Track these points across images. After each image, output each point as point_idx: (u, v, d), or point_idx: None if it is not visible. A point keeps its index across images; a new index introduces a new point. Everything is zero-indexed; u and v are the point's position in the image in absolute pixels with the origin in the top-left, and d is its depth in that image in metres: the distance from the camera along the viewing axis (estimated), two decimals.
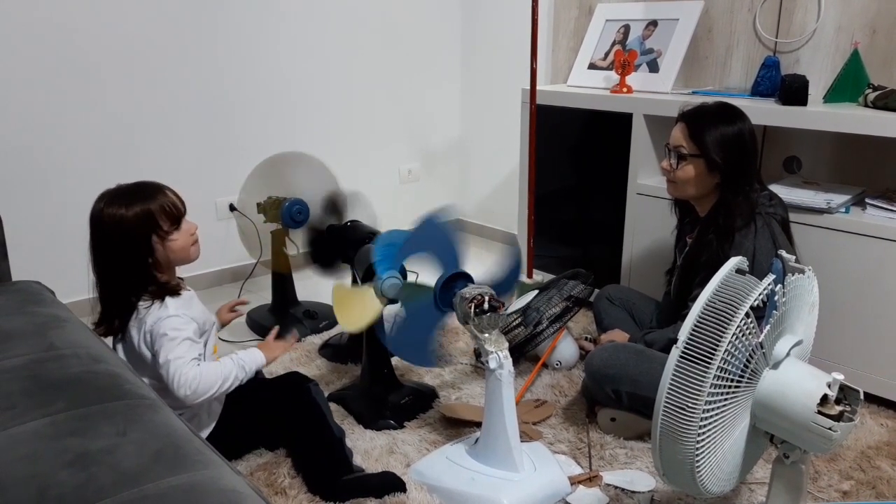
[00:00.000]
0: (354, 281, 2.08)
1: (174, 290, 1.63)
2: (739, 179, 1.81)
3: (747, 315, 1.17)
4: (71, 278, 2.33)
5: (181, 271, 1.76)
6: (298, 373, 1.89)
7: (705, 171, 1.83)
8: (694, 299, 1.21)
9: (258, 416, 1.75)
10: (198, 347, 1.62)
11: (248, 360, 1.67)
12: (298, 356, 2.35)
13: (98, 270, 1.62)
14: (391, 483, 1.67)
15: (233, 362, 1.64)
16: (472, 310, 1.58)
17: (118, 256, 1.59)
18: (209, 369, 1.59)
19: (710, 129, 1.80)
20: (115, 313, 1.62)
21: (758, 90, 2.35)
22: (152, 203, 1.61)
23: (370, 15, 3.23)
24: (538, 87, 2.57)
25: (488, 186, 3.63)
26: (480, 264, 1.80)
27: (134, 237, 1.58)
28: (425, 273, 1.76)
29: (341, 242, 2.15)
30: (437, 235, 1.71)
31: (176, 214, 1.64)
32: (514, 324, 2.23)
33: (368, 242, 2.06)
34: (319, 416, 1.72)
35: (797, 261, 1.33)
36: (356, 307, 1.77)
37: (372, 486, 1.66)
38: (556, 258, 2.80)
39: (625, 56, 2.55)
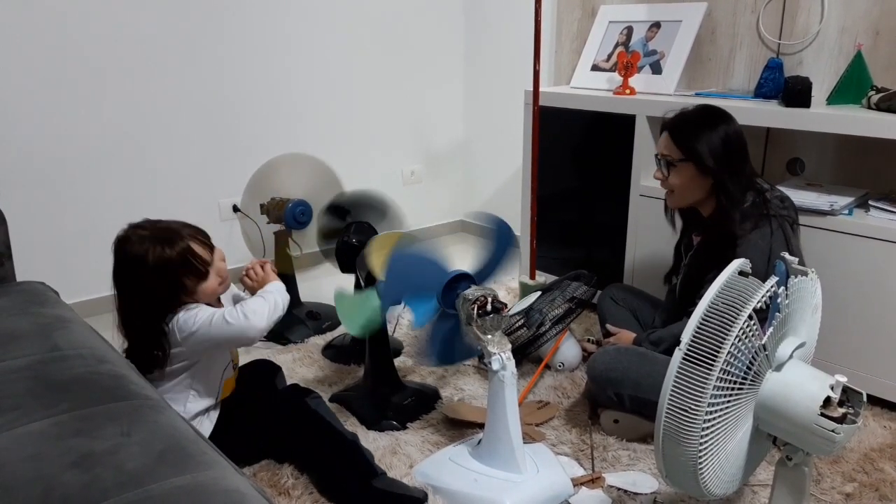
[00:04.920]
0: (358, 284, 2.08)
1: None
2: (732, 178, 1.82)
3: (750, 317, 1.17)
4: (75, 279, 2.35)
5: None
6: (298, 386, 1.87)
7: (697, 174, 1.83)
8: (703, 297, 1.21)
9: (258, 431, 1.73)
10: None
11: (269, 289, 1.70)
12: (302, 357, 2.36)
13: (136, 311, 1.59)
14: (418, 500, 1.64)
15: (262, 292, 1.67)
16: (476, 311, 1.58)
17: (158, 296, 1.58)
18: (248, 302, 1.62)
19: (694, 133, 1.82)
20: (145, 354, 1.59)
21: (761, 92, 2.35)
22: (185, 249, 1.59)
23: (373, 16, 3.23)
24: (541, 89, 2.57)
25: (491, 188, 3.63)
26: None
27: (166, 287, 1.58)
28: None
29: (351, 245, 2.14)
30: (500, 244, 1.73)
31: (207, 252, 1.63)
32: (517, 325, 2.23)
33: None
34: (326, 427, 1.70)
35: (801, 263, 1.33)
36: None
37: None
38: (559, 259, 2.80)
39: (628, 58, 2.55)
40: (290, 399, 1.77)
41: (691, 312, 1.21)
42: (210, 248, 1.65)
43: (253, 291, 1.75)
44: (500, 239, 1.75)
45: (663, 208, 2.07)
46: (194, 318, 1.58)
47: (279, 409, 1.75)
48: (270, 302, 1.65)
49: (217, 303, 1.72)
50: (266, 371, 1.95)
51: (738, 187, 1.81)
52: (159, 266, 1.56)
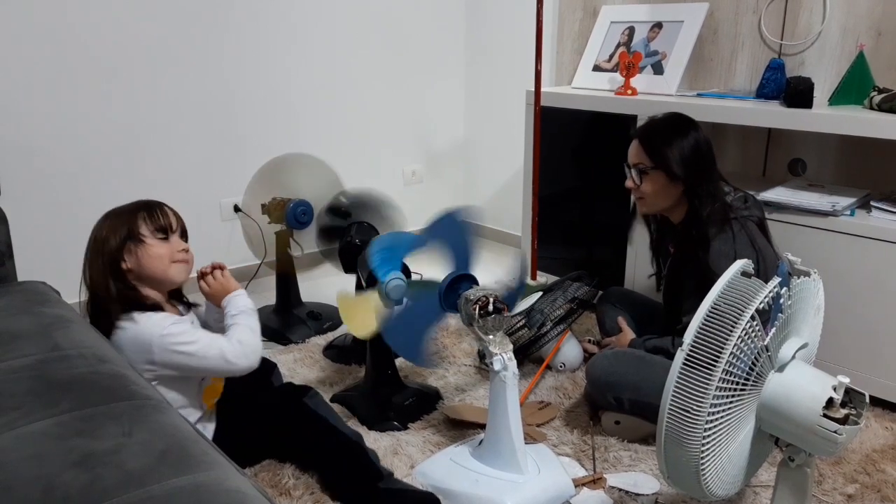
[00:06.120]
0: (359, 284, 2.08)
1: (154, 306, 1.57)
2: (701, 184, 1.84)
3: (753, 318, 1.17)
4: (76, 278, 2.34)
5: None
6: (293, 385, 1.81)
7: (667, 181, 1.86)
8: (687, 312, 1.21)
9: (256, 432, 1.70)
10: (207, 331, 1.60)
11: (241, 306, 1.63)
12: (303, 357, 2.36)
13: (87, 280, 1.59)
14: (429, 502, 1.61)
15: (236, 319, 1.60)
16: (477, 311, 1.58)
17: (99, 264, 1.56)
18: (235, 333, 1.57)
19: (664, 140, 1.85)
20: (96, 323, 1.57)
21: (763, 92, 2.35)
22: (141, 211, 1.58)
23: (374, 16, 3.23)
24: (542, 89, 2.57)
25: (492, 188, 3.63)
26: (484, 268, 1.80)
27: (110, 239, 1.55)
28: (430, 271, 1.75)
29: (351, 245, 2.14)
30: (455, 232, 1.72)
31: (162, 224, 1.59)
32: (518, 326, 2.23)
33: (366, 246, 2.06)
34: (326, 428, 1.66)
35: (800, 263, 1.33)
36: (363, 313, 1.76)
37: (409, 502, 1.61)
38: (560, 260, 2.80)
39: (629, 58, 2.54)
40: (288, 399, 1.71)
41: (679, 331, 1.20)
42: (178, 220, 1.63)
43: (211, 298, 1.69)
44: (449, 230, 1.73)
45: (644, 221, 2.09)
46: (186, 341, 1.52)
47: (277, 410, 1.70)
48: (258, 332, 1.61)
49: (168, 302, 1.65)
50: (261, 369, 1.83)
51: (708, 192, 1.84)
52: (118, 210, 1.60)
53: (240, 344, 1.55)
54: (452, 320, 1.73)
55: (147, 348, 1.51)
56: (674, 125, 1.88)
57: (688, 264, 1.86)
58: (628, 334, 2.08)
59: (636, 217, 2.08)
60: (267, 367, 1.91)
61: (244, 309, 1.64)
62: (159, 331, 1.51)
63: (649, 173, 1.87)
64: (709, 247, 1.79)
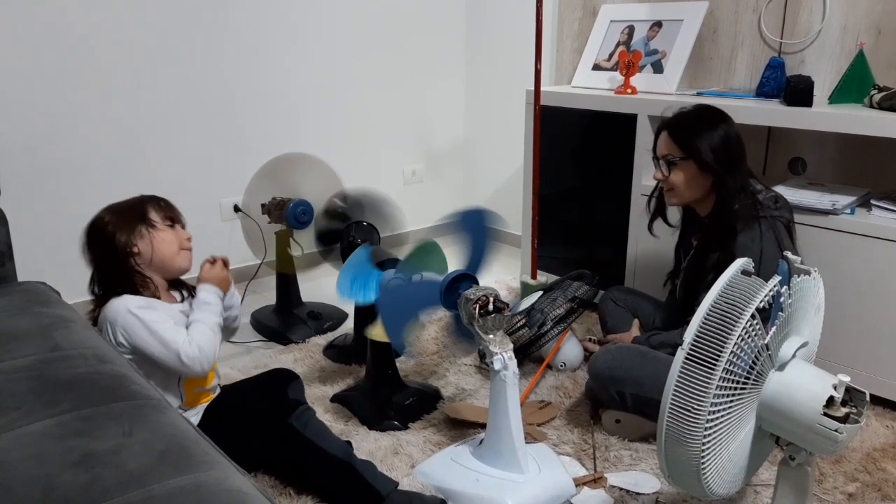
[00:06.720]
0: None
1: (144, 290, 1.64)
2: (731, 176, 1.83)
3: (753, 317, 1.17)
4: (76, 279, 2.34)
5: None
6: (284, 398, 1.69)
7: (697, 172, 1.85)
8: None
9: (243, 446, 1.53)
10: (180, 328, 1.62)
11: (208, 301, 1.67)
12: (303, 356, 2.36)
13: (92, 270, 1.67)
14: None
15: (202, 314, 1.64)
16: (477, 311, 1.58)
17: (107, 250, 1.63)
18: (197, 336, 1.60)
19: (694, 130, 1.84)
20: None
21: (763, 91, 2.35)
22: (148, 200, 1.68)
23: (374, 16, 3.23)
24: (542, 88, 2.57)
25: (492, 187, 3.63)
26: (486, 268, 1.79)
27: (121, 225, 1.63)
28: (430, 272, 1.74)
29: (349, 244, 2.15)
30: (478, 231, 1.73)
31: (170, 214, 1.69)
32: (519, 325, 2.23)
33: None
34: (313, 450, 1.59)
35: (801, 263, 1.33)
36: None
37: None
38: (561, 259, 2.80)
39: (629, 57, 2.54)
40: (274, 418, 1.63)
41: (690, 321, 1.20)
42: (179, 214, 1.73)
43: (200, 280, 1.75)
44: (473, 227, 1.75)
45: (648, 224, 2.09)
46: (149, 329, 1.57)
47: (262, 427, 1.62)
48: (218, 333, 1.66)
49: (166, 290, 1.71)
50: (278, 381, 1.79)
51: (737, 185, 1.83)
52: (120, 207, 1.67)
53: (199, 349, 1.59)
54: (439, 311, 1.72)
55: (114, 327, 1.58)
56: (703, 116, 1.88)
57: (710, 257, 1.85)
58: (633, 331, 2.08)
59: (662, 210, 2.07)
60: (284, 379, 1.79)
61: (208, 301, 1.68)
62: (125, 311, 1.58)
63: (678, 164, 1.86)
64: (735, 240, 1.79)
